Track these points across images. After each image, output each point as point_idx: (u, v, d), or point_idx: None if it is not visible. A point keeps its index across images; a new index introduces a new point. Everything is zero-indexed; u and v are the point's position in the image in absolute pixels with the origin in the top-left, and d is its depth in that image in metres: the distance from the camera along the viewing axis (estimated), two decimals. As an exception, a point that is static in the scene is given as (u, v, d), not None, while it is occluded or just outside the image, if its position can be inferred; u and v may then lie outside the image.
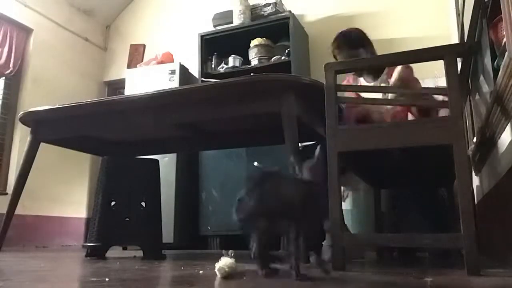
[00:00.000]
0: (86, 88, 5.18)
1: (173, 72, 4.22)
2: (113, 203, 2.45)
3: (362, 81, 2.39)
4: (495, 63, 1.59)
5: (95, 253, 2.39)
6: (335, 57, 2.34)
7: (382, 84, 2.25)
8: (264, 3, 4.26)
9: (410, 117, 2.16)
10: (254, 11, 4.26)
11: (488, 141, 1.83)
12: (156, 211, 2.58)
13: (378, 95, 2.06)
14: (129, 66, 5.10)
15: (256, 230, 1.20)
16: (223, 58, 4.36)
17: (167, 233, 3.35)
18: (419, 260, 2.17)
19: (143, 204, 2.51)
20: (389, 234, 1.98)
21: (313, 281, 1.17)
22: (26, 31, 4.56)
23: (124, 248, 3.56)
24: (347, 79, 2.46)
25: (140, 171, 2.56)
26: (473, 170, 2.45)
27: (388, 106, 2.17)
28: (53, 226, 4.54)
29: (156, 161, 2.66)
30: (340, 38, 2.32)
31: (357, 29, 2.41)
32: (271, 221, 1.18)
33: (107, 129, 2.58)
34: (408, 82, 2.03)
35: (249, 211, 1.18)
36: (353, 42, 2.29)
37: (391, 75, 2.15)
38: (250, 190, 1.19)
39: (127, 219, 2.46)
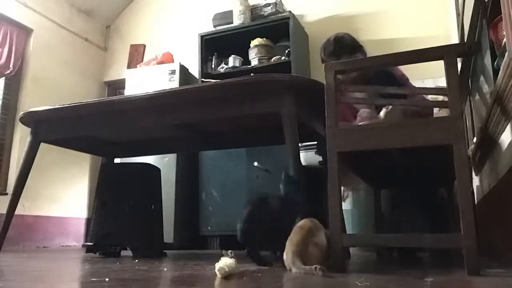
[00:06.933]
0: (86, 88, 5.18)
1: (173, 72, 4.22)
2: (111, 205, 2.47)
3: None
4: (495, 63, 1.59)
5: (105, 253, 2.41)
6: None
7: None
8: (264, 3, 4.26)
9: None
10: (254, 11, 4.27)
11: (488, 141, 1.83)
12: (156, 213, 2.59)
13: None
14: (129, 66, 5.10)
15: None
16: (223, 58, 4.36)
17: (167, 233, 3.36)
18: (419, 260, 2.17)
19: (143, 207, 2.52)
20: (389, 234, 1.98)
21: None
22: (26, 31, 4.55)
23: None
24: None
25: (139, 175, 2.57)
26: (473, 170, 2.45)
27: None
28: (53, 226, 4.54)
29: (157, 168, 2.66)
30: (335, 45, 2.22)
31: (346, 33, 2.31)
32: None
33: (107, 129, 2.57)
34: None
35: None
36: (350, 47, 2.21)
37: None
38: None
39: (126, 220, 2.47)
